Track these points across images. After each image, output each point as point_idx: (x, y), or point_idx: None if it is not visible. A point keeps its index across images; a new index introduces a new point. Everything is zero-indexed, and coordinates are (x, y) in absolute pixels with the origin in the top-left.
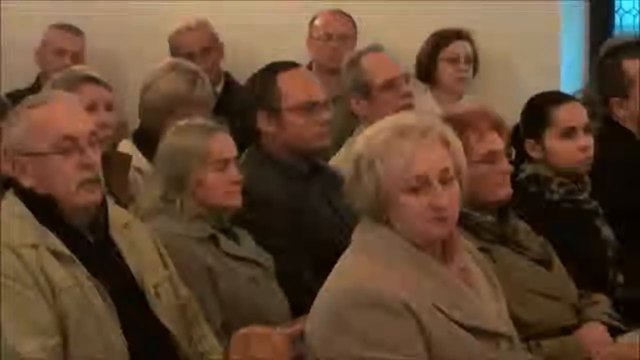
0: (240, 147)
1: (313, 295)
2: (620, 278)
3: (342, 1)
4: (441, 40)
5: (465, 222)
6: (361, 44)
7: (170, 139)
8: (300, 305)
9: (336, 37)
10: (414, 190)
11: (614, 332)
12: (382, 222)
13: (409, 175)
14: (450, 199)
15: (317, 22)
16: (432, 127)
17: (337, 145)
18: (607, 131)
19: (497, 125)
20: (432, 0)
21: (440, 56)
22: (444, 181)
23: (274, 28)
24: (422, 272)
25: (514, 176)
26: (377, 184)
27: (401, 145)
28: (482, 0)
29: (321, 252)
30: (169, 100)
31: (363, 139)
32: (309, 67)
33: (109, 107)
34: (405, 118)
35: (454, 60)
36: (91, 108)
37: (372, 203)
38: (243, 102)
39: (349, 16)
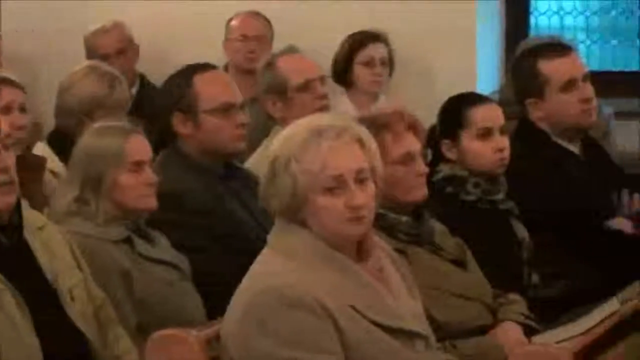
0: (156, 149)
1: (229, 297)
2: (535, 278)
3: (258, 2)
4: (357, 43)
5: (381, 222)
6: (277, 46)
7: (85, 141)
8: (216, 307)
9: (252, 38)
10: (330, 191)
11: (529, 332)
12: (298, 222)
13: (325, 175)
14: (366, 199)
15: (233, 23)
16: (348, 128)
17: (253, 146)
18: (523, 132)
19: (413, 126)
20: (348, 0)
21: (355, 59)
22: (360, 181)
23: (190, 29)
24: (338, 273)
25: (430, 177)
26: (293, 185)
27: (317, 146)
28: (399, 0)
29: (237, 253)
30: (87, 103)
31: (280, 140)
32: (225, 68)
33: (23, 109)
34: (321, 119)
35: (370, 64)
36: (6, 110)
37: (288, 203)
38: (159, 104)
39: (265, 17)
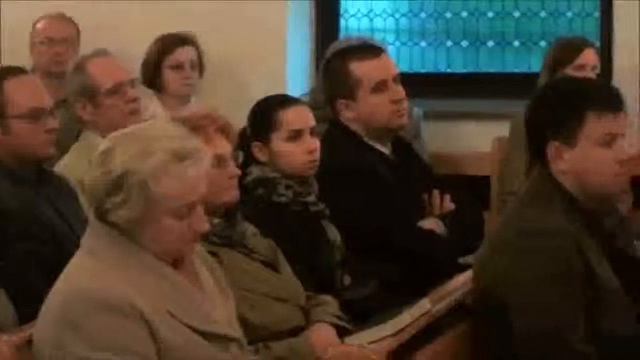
0: None
1: (41, 301)
2: (347, 279)
3: (65, 4)
4: (165, 46)
5: None
6: (85, 48)
7: None
8: (27, 312)
9: (59, 41)
10: (181, 215)
11: (342, 333)
12: (113, 226)
13: (183, 202)
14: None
15: (38, 26)
16: (204, 151)
17: (62, 150)
18: (334, 133)
19: (224, 129)
20: (157, 0)
21: (164, 63)
22: (202, 202)
23: None
24: (153, 277)
25: (241, 179)
26: (147, 205)
27: (180, 172)
28: (208, 0)
29: (48, 257)
30: None
31: (130, 154)
32: (32, 71)
33: None
34: (177, 139)
35: (179, 67)
36: None
37: (135, 219)
38: None
39: (71, 20)
